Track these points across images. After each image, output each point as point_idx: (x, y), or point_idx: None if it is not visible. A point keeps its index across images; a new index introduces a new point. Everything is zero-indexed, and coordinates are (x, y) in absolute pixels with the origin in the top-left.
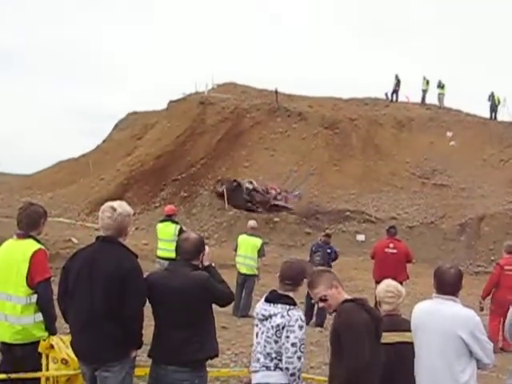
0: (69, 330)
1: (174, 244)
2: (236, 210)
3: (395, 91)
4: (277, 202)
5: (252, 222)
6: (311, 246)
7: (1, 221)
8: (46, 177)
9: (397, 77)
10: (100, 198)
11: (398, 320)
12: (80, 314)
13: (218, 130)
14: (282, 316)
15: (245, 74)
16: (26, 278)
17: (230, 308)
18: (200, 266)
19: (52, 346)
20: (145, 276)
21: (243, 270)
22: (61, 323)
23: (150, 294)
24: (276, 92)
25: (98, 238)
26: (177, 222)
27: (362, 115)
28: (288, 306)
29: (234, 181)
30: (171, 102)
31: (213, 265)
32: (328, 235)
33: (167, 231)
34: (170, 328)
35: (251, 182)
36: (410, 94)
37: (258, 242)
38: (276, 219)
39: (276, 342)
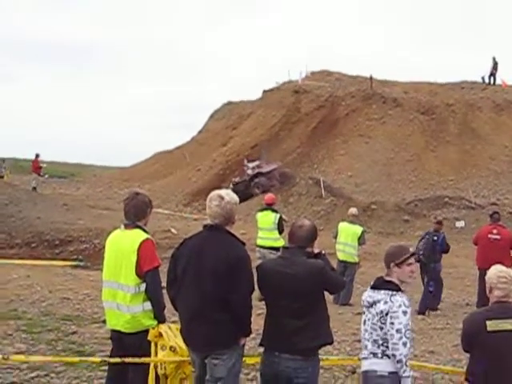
0: (178, 318)
1: (275, 232)
2: (333, 197)
3: (492, 74)
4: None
5: (353, 210)
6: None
7: (100, 213)
8: (143, 169)
9: (494, 59)
10: (197, 189)
11: (510, 307)
12: (189, 302)
13: (312, 118)
14: (385, 302)
15: (338, 61)
16: (136, 267)
17: (329, 296)
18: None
19: (161, 334)
20: (258, 264)
21: (343, 258)
22: (168, 311)
23: (264, 282)
24: (370, 78)
25: (205, 226)
26: (276, 211)
27: (459, 99)
28: (391, 292)
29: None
30: (265, 91)
31: (323, 252)
32: (439, 222)
33: (267, 220)
34: (285, 316)
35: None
36: (505, 77)
37: (358, 229)
38: (374, 207)
39: (381, 328)
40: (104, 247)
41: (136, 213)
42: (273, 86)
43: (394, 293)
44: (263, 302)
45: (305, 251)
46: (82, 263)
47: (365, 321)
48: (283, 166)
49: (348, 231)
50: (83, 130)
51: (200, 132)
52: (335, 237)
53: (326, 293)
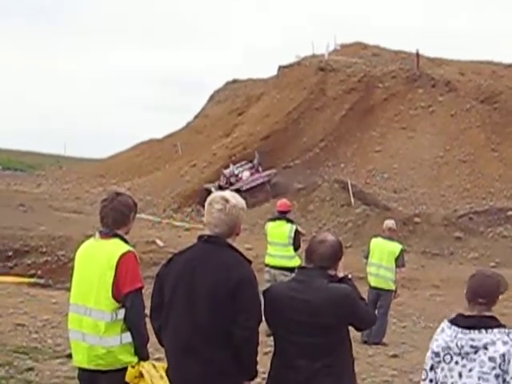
0: (164, 355)
1: (289, 249)
2: (365, 206)
3: None
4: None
5: (390, 222)
6: None
7: (67, 217)
8: (122, 162)
9: None
10: (191, 190)
11: None
12: (179, 335)
13: (341, 103)
14: (505, 343)
15: (375, 33)
16: (113, 288)
17: (356, 332)
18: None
19: (142, 375)
20: (266, 288)
21: (376, 284)
22: (152, 345)
23: (274, 312)
24: (417, 55)
25: (200, 237)
26: (292, 222)
27: None
28: (505, 329)
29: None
30: (282, 67)
31: (349, 276)
32: None
33: (280, 233)
34: (298, 356)
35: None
36: None
37: (396, 247)
38: (417, 219)
39: (497, 376)
40: (72, 261)
41: (115, 218)
42: (291, 61)
43: (508, 330)
44: (272, 338)
45: (326, 273)
46: (41, 280)
47: (460, 373)
48: (276, 175)
49: (383, 250)
50: (44, 109)
51: (197, 117)
52: (366, 256)
53: (351, 328)
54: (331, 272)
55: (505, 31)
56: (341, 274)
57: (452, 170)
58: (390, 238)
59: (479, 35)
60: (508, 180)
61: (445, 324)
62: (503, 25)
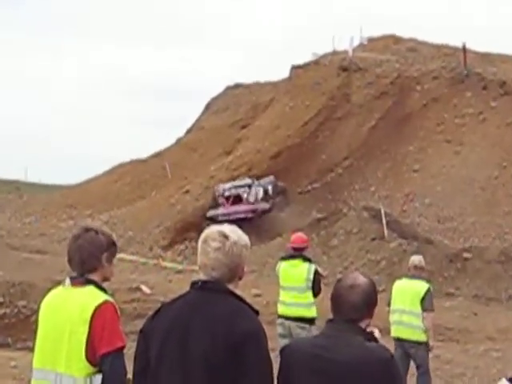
0: None
1: (307, 295)
2: (401, 239)
3: None
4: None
5: (416, 258)
6: None
7: (30, 258)
8: (97, 189)
9: None
10: (183, 222)
11: None
12: None
13: (370, 111)
14: None
15: (410, 23)
16: (86, 348)
17: None
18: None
19: None
20: (282, 345)
21: (399, 334)
22: None
23: (294, 375)
24: (464, 49)
25: (194, 283)
26: (310, 260)
27: None
28: None
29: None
30: (295, 67)
31: (375, 332)
32: None
33: (296, 274)
34: None
35: None
36: None
37: (421, 286)
38: (467, 255)
39: None
40: (35, 313)
41: (83, 260)
42: (308, 60)
43: None
44: None
45: (360, 328)
46: None
47: None
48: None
49: (405, 291)
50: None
51: (190, 131)
52: (389, 303)
53: None
54: (364, 324)
55: None
56: (368, 329)
57: (510, 193)
58: (416, 277)
59: None
60: None
61: None
62: None
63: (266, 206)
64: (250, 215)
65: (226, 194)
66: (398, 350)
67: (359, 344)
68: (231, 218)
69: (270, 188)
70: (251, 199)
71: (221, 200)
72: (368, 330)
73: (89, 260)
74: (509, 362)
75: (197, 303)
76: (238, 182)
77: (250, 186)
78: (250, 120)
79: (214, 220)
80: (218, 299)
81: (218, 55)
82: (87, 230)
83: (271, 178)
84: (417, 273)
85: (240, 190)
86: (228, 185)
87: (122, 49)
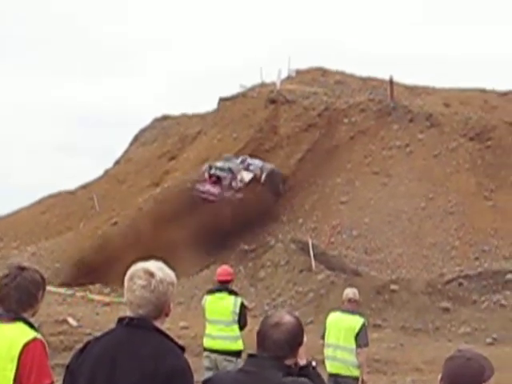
0: None
1: (233, 328)
2: (329, 271)
3: None
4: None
5: (350, 291)
6: None
7: None
8: (24, 221)
9: None
10: (111, 254)
11: None
12: None
13: (298, 143)
14: None
15: (338, 55)
16: None
17: None
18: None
19: None
20: (205, 378)
21: (333, 369)
22: None
23: None
24: (391, 82)
25: (121, 319)
26: (236, 294)
27: None
28: None
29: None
30: (223, 99)
31: (313, 364)
32: None
33: (222, 308)
34: None
35: None
36: None
37: (355, 321)
38: (394, 287)
39: None
40: None
41: (20, 300)
42: (235, 92)
43: None
44: None
45: (282, 364)
46: None
47: None
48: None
49: (339, 326)
50: None
51: (118, 162)
52: (323, 336)
53: None
54: (289, 362)
55: (497, 54)
56: (303, 362)
57: (436, 225)
58: (350, 311)
59: (467, 59)
60: (505, 235)
61: None
62: (495, 47)
63: (238, 195)
64: (212, 198)
65: (212, 171)
66: None
67: (278, 381)
68: (202, 196)
69: (263, 176)
70: (226, 183)
71: (205, 175)
72: (302, 362)
73: (28, 299)
74: None
75: (123, 340)
76: (225, 163)
77: (232, 171)
78: (177, 152)
79: (196, 191)
80: (145, 337)
81: (141, 85)
82: (22, 268)
83: (272, 166)
84: (351, 306)
85: (222, 173)
86: (219, 163)
87: (44, 76)
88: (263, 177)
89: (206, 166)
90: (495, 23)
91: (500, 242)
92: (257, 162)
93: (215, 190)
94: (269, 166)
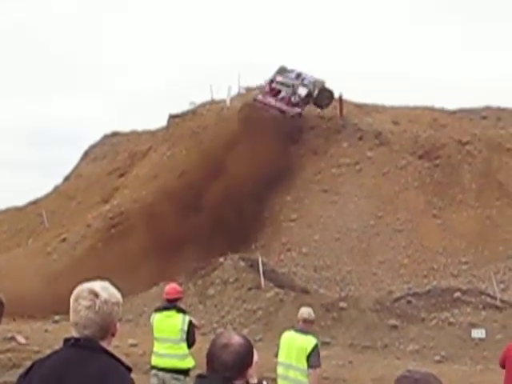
0: None
1: (181, 346)
2: (278, 289)
3: None
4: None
5: (305, 311)
6: None
7: None
8: None
9: None
10: (60, 272)
11: None
12: None
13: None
14: None
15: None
16: None
17: None
18: None
19: None
20: None
21: None
22: None
23: None
24: (340, 100)
25: (67, 340)
26: (184, 311)
27: (479, 136)
28: None
29: None
30: (173, 116)
31: (264, 383)
32: None
33: (169, 326)
34: None
35: None
36: None
37: (308, 342)
38: (342, 304)
39: None
40: None
41: None
42: (185, 109)
43: None
44: None
45: None
46: None
47: None
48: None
49: (292, 345)
50: None
51: (67, 179)
52: (277, 354)
53: None
54: (238, 382)
55: (446, 73)
56: (254, 381)
57: (385, 242)
58: (303, 331)
59: (417, 75)
60: (454, 253)
61: None
62: (444, 65)
63: (297, 110)
64: (272, 111)
65: (273, 85)
66: None
67: None
68: (264, 108)
69: (316, 91)
70: (286, 97)
71: (266, 88)
72: (253, 381)
73: None
74: None
75: (70, 361)
76: (286, 79)
77: (293, 86)
78: (127, 168)
79: (257, 102)
80: (91, 358)
81: (91, 102)
82: None
83: (323, 81)
84: (305, 327)
85: (283, 87)
86: (279, 77)
87: None
88: (315, 92)
89: (268, 79)
90: (445, 45)
91: (448, 259)
92: (309, 76)
93: (277, 103)
94: (320, 81)
